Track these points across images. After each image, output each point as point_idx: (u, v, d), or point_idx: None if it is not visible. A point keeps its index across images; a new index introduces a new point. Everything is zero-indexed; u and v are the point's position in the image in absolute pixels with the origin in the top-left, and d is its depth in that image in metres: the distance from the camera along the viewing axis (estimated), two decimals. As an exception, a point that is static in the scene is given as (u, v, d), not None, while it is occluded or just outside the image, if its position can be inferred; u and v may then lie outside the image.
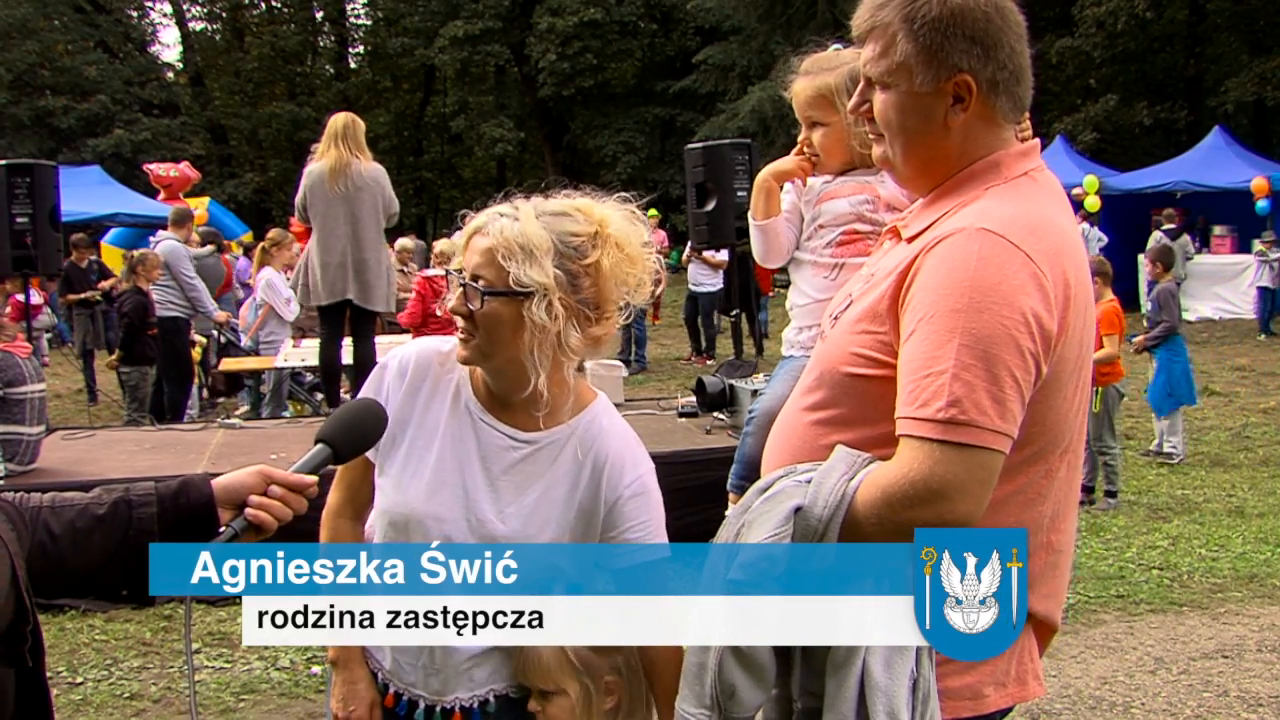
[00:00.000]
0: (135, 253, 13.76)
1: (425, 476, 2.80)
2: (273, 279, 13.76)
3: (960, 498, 2.12)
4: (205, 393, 15.06)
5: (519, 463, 2.82)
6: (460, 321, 2.68)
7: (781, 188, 4.13)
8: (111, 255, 22.78)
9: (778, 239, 4.01)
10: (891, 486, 2.14)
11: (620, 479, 2.86)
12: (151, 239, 18.64)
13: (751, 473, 3.05)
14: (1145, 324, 11.99)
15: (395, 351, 2.95)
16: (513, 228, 2.63)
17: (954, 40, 2.31)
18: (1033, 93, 2.45)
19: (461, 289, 2.67)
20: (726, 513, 3.25)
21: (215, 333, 15.01)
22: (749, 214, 4.18)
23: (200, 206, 23.98)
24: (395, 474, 2.83)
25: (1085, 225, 22.60)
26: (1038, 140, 2.63)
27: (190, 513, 2.29)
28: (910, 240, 2.38)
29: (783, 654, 2.30)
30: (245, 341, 14.45)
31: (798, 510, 2.20)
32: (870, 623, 2.17)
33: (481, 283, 2.64)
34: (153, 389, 13.49)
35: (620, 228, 2.74)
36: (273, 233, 14.09)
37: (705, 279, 19.77)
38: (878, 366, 2.29)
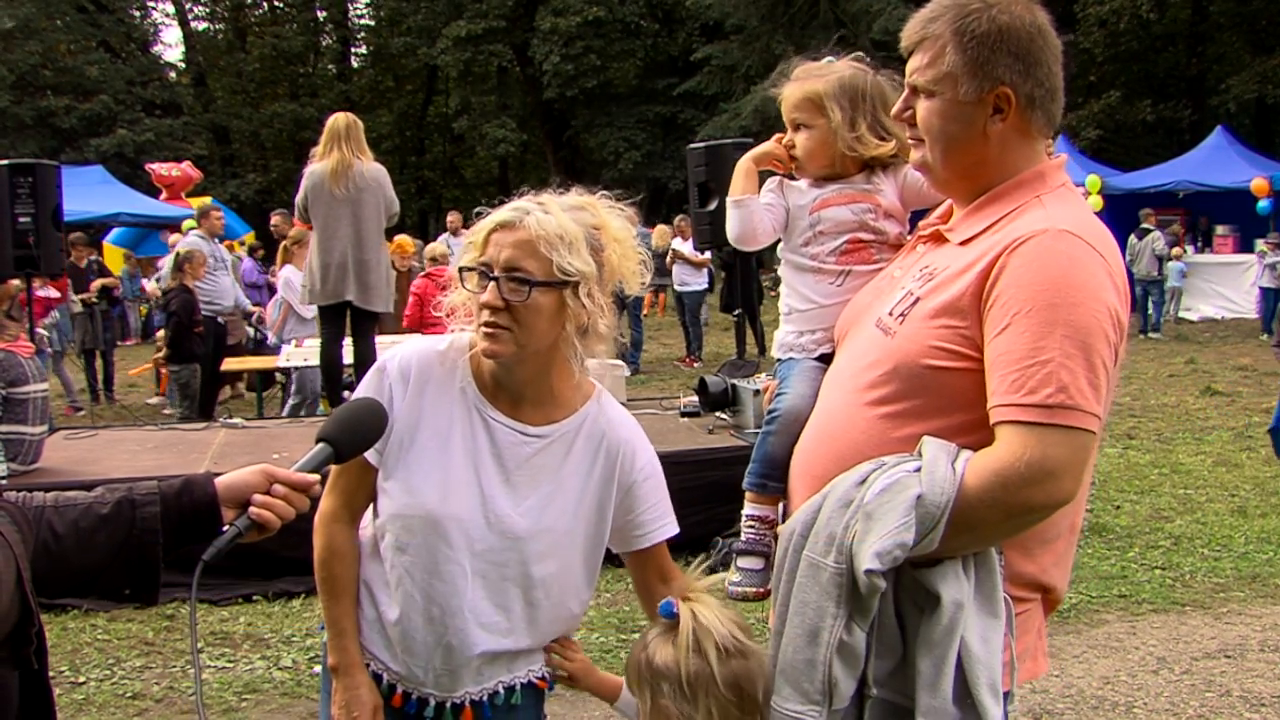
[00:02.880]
0: (181, 250, 13.73)
1: (438, 477, 2.81)
2: (291, 277, 13.59)
3: (1068, 476, 2.30)
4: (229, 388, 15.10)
5: (532, 457, 2.86)
6: (490, 315, 2.68)
7: (760, 171, 4.17)
8: (113, 255, 22.84)
9: (752, 219, 4.04)
10: (1006, 470, 2.30)
11: (634, 464, 2.96)
12: (170, 240, 18.69)
13: (774, 472, 3.11)
14: None
15: (393, 353, 2.95)
16: (549, 220, 2.68)
17: (999, 55, 2.51)
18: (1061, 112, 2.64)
19: (494, 281, 2.68)
20: (744, 511, 3.27)
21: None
22: (728, 195, 4.21)
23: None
24: (404, 477, 2.83)
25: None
26: (1064, 155, 2.82)
27: (193, 512, 2.29)
28: (964, 244, 2.56)
29: None
30: (271, 339, 14.52)
31: (918, 499, 2.31)
32: (967, 598, 2.35)
33: (521, 274, 2.66)
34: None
35: (617, 222, 2.83)
36: (293, 231, 14.00)
37: (690, 278, 19.76)
38: (958, 359, 2.44)
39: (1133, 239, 23.84)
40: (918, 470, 2.36)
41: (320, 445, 2.47)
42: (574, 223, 2.70)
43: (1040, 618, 2.60)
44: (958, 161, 2.61)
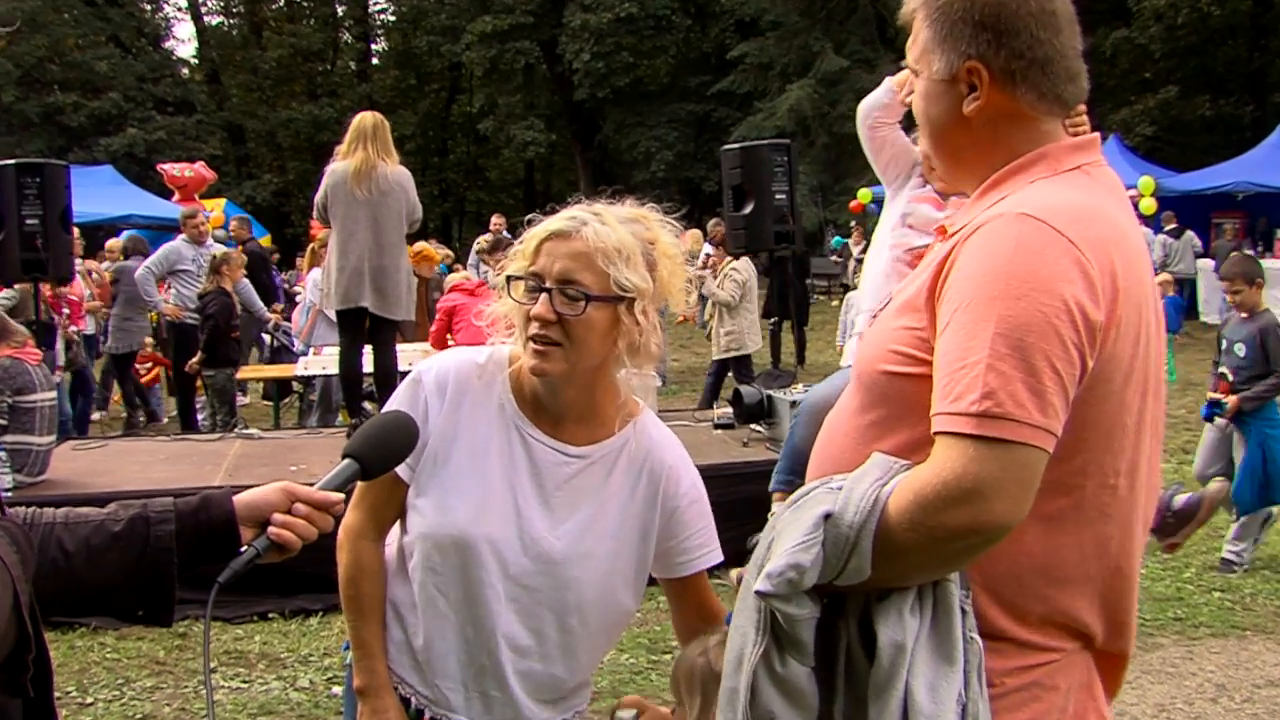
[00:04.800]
0: (218, 252, 13.73)
1: (473, 496, 2.79)
2: (321, 280, 13.30)
3: (997, 498, 2.03)
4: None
5: (573, 478, 2.84)
6: (540, 328, 2.65)
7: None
8: (121, 259, 22.83)
9: (888, 112, 4.06)
10: (924, 488, 2.07)
11: (679, 487, 2.92)
12: (108, 246, 18.60)
13: (799, 465, 3.05)
14: (1221, 372, 8.97)
15: (429, 364, 2.92)
16: (607, 232, 2.64)
17: (962, 25, 2.32)
18: (1080, 88, 2.41)
19: (546, 293, 2.65)
20: (770, 514, 3.24)
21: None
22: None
23: (216, 209, 24.03)
24: (437, 495, 2.81)
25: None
26: (1096, 135, 2.57)
27: (210, 530, 2.28)
28: (952, 235, 2.32)
29: (825, 679, 2.25)
30: (298, 345, 14.49)
31: (827, 517, 2.14)
32: (911, 642, 2.14)
33: (576, 287, 2.63)
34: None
35: (668, 238, 2.79)
36: (322, 233, 13.99)
37: (721, 285, 19.68)
38: (916, 364, 2.23)
39: (1165, 239, 23.82)
40: (841, 488, 2.19)
41: (346, 461, 2.43)
42: (631, 236, 2.67)
43: (1085, 670, 2.33)
44: (944, 147, 2.45)
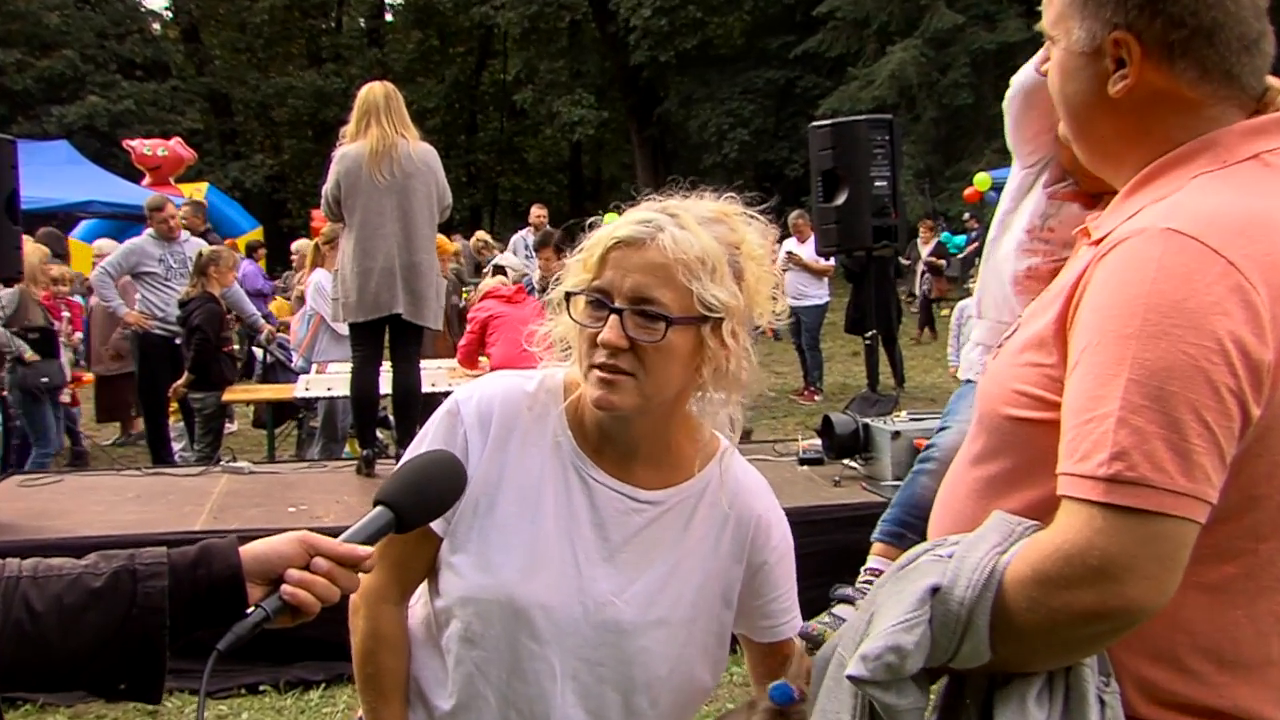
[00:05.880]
0: (206, 250, 13.71)
1: (523, 551, 2.73)
2: (324, 284, 13.12)
3: (1131, 578, 1.98)
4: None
5: (643, 529, 2.79)
6: (608, 356, 2.58)
7: None
8: (82, 254, 22.55)
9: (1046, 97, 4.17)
10: (1044, 561, 2.05)
11: (768, 541, 2.90)
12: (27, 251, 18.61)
13: (913, 518, 3.02)
14: None
15: (469, 393, 2.86)
16: (687, 238, 2.55)
17: None
18: (1261, 56, 2.28)
19: (616, 315, 2.57)
20: (866, 565, 3.25)
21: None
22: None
23: (197, 194, 24.04)
24: (479, 551, 2.74)
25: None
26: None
27: (210, 587, 2.23)
28: (1096, 244, 2.24)
29: None
30: (297, 361, 14.45)
31: (935, 591, 2.12)
32: None
33: (654, 306, 2.55)
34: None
35: (753, 237, 2.71)
36: (326, 228, 13.77)
37: (809, 290, 19.51)
38: (1045, 407, 2.18)
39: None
40: (952, 555, 2.16)
41: (378, 509, 2.36)
42: (715, 241, 2.58)
43: None
44: (1087, 133, 2.38)
